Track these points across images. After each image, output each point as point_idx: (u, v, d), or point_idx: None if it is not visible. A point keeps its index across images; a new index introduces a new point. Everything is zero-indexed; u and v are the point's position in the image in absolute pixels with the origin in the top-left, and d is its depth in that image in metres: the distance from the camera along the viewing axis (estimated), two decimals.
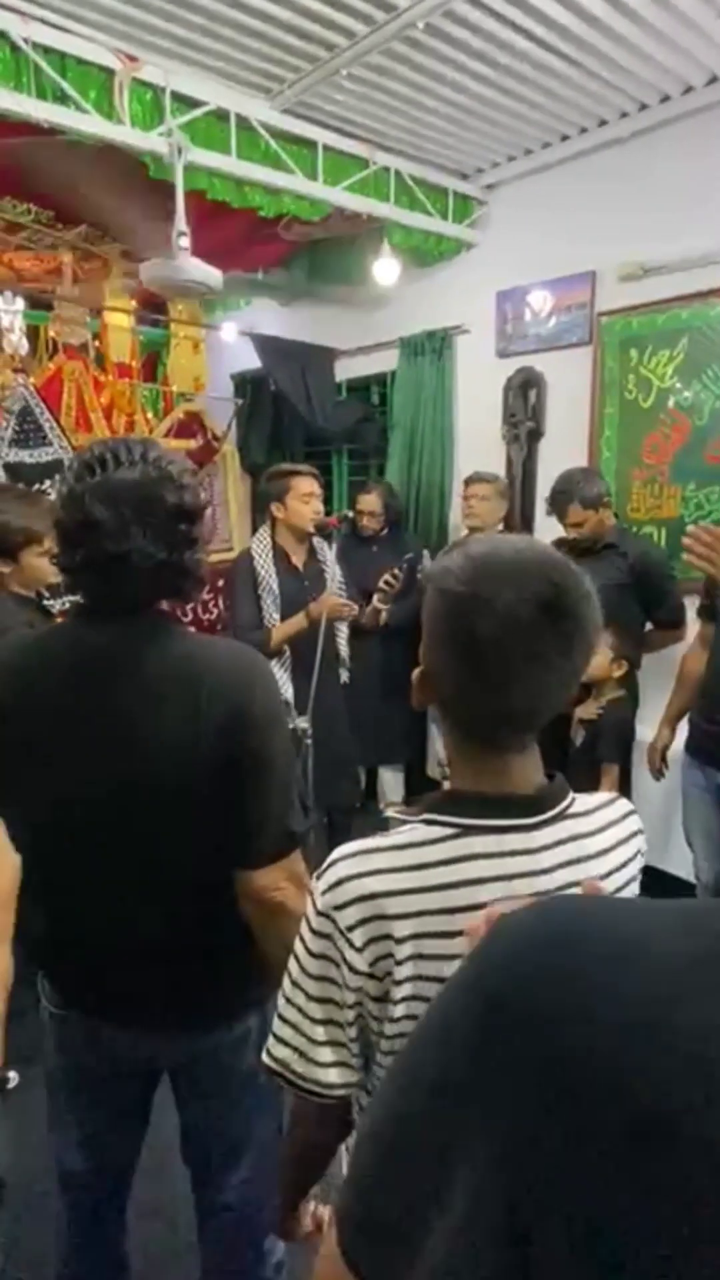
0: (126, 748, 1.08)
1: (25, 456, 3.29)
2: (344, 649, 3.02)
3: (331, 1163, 0.96)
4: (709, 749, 2.36)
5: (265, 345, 4.17)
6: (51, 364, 3.46)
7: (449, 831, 0.77)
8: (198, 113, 2.73)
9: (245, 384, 4.62)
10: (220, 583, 3.56)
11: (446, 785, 0.85)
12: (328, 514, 2.96)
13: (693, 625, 2.69)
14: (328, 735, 2.73)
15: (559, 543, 2.79)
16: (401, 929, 0.74)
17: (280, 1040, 0.81)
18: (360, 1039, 0.79)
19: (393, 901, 0.74)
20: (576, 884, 0.78)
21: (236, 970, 1.18)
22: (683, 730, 2.52)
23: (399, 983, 0.74)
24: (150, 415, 3.90)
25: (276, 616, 2.80)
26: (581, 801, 0.83)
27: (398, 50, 2.59)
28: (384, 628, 3.23)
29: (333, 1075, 0.79)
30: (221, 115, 2.81)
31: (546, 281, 3.43)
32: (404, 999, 0.75)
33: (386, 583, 3.15)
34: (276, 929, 1.09)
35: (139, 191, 2.89)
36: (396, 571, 3.15)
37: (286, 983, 0.81)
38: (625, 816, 0.86)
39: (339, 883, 0.77)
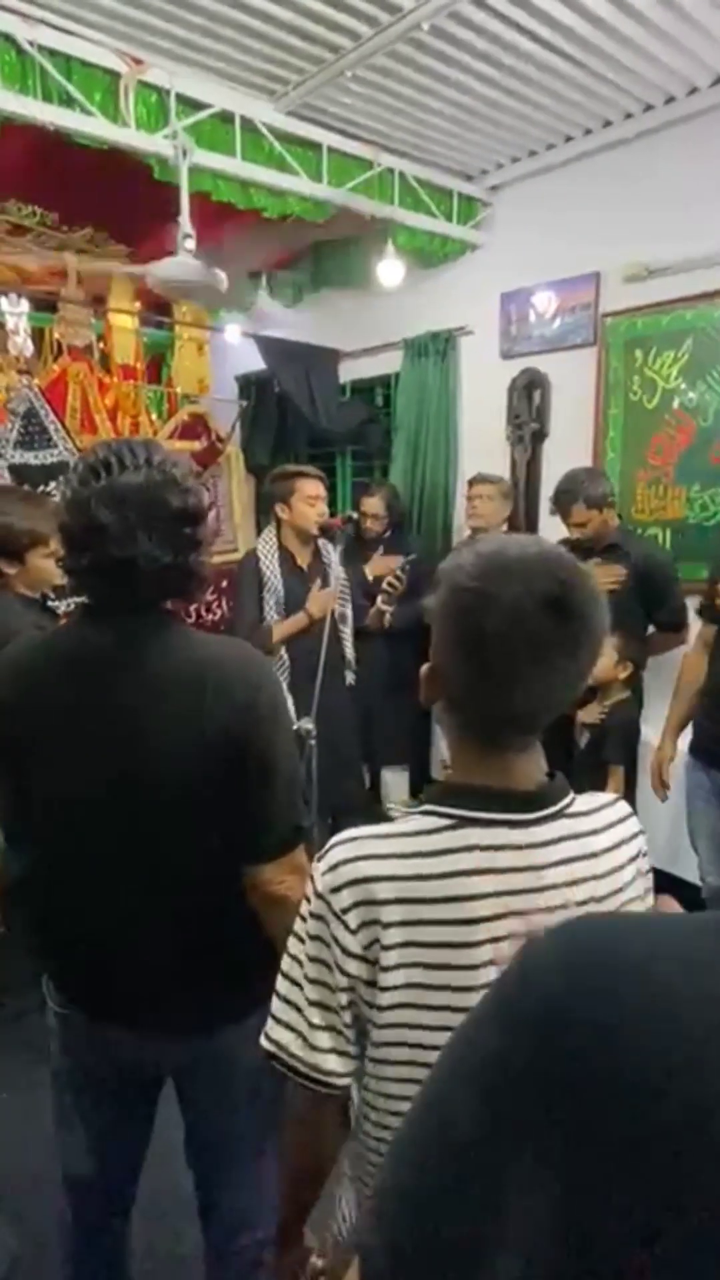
0: (130, 746, 1.08)
1: (30, 458, 3.30)
2: (349, 651, 3.02)
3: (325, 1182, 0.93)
4: (714, 750, 2.36)
5: (269, 347, 4.17)
6: (56, 366, 3.46)
7: (446, 823, 0.78)
8: (202, 115, 2.73)
9: (249, 385, 4.62)
10: (224, 583, 3.57)
11: (445, 777, 0.86)
12: (332, 515, 2.96)
13: (694, 626, 2.68)
14: (332, 736, 2.74)
15: (562, 544, 2.78)
16: (390, 914, 0.75)
17: (278, 1022, 0.82)
18: (355, 1026, 0.79)
19: (383, 886, 0.76)
20: (575, 881, 0.79)
21: (239, 971, 1.18)
22: (686, 733, 2.51)
23: (387, 969, 0.75)
24: (155, 417, 3.90)
25: (280, 617, 2.80)
26: (582, 801, 0.84)
27: (402, 52, 2.59)
28: (388, 630, 3.23)
29: (331, 1061, 0.79)
30: (226, 117, 2.82)
31: (551, 282, 3.43)
32: (394, 986, 0.76)
33: (389, 584, 3.15)
34: (279, 917, 1.10)
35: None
36: (399, 572, 3.15)
37: (284, 964, 0.82)
38: (626, 818, 0.86)
39: (336, 866, 0.78)
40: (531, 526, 3.58)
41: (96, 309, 3.73)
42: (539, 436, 3.59)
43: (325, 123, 3.06)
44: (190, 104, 2.71)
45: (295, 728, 2.50)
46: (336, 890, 0.77)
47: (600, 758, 2.58)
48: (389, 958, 0.75)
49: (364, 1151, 0.87)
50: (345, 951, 0.77)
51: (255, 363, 4.33)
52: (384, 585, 3.16)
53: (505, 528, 3.36)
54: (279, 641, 2.76)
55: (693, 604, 2.69)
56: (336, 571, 2.96)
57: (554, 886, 0.78)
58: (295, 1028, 0.80)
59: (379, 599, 3.19)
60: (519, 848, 0.77)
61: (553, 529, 2.95)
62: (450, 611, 0.78)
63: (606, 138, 3.14)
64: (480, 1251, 0.41)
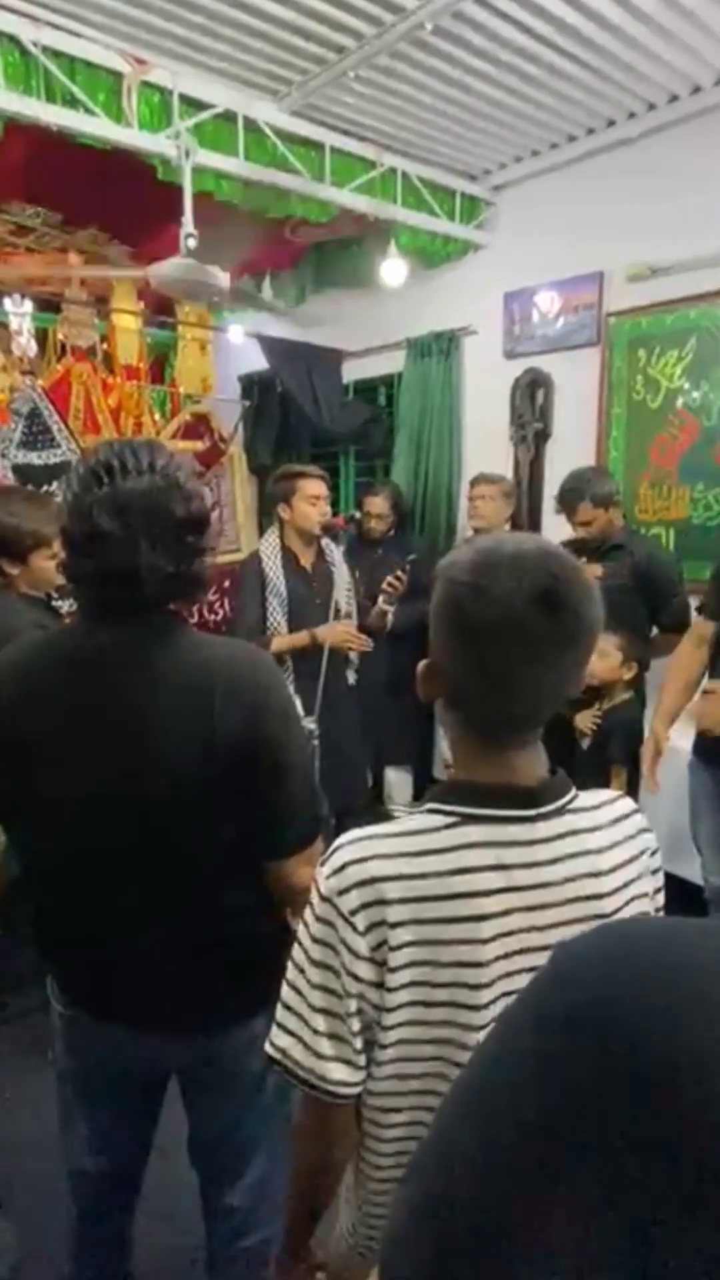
0: (138, 747, 1.08)
1: (34, 458, 3.30)
2: (352, 651, 3.01)
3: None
4: (717, 751, 2.35)
5: (272, 347, 4.17)
6: (60, 366, 3.47)
7: (449, 820, 0.78)
8: (205, 115, 2.74)
9: (252, 385, 4.63)
10: (226, 583, 3.57)
11: (448, 775, 0.85)
12: (334, 515, 2.96)
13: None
14: (335, 736, 2.73)
15: (567, 543, 2.78)
16: (397, 914, 0.75)
17: (282, 1028, 0.81)
18: (364, 1034, 0.78)
19: (391, 886, 0.75)
20: (577, 877, 0.79)
21: (244, 970, 1.18)
22: (690, 731, 2.50)
23: (395, 970, 0.75)
24: (158, 417, 3.90)
25: (283, 618, 2.80)
26: (585, 798, 0.84)
27: (405, 51, 2.59)
28: (390, 631, 3.22)
29: (335, 1070, 0.78)
30: (229, 117, 2.82)
31: (554, 282, 3.42)
32: (402, 986, 0.75)
33: (390, 584, 3.15)
34: (297, 906, 1.10)
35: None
36: (400, 573, 3.15)
37: (290, 969, 0.81)
38: (629, 814, 0.86)
39: (342, 867, 0.77)
40: (534, 526, 3.57)
41: (100, 309, 3.73)
42: (542, 436, 3.58)
43: (328, 122, 3.07)
44: (193, 104, 2.71)
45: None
46: (344, 892, 0.76)
47: (604, 758, 2.57)
48: (396, 958, 0.75)
49: (365, 1165, 0.86)
50: (354, 954, 0.75)
51: (258, 362, 4.33)
52: (385, 585, 3.15)
53: (508, 527, 3.35)
54: (276, 654, 2.75)
55: (696, 604, 2.69)
56: (341, 572, 2.96)
57: (557, 882, 0.78)
58: (299, 1034, 0.79)
59: (380, 599, 3.18)
60: (523, 844, 0.77)
61: (556, 528, 2.95)
62: (444, 606, 0.78)
63: (610, 137, 3.14)
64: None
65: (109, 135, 2.53)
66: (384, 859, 0.77)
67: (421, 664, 0.84)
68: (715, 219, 2.88)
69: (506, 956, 0.76)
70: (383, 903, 0.75)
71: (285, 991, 0.81)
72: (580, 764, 2.58)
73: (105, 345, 3.68)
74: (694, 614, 2.51)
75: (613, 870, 0.81)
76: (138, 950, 1.15)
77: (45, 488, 3.16)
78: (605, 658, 2.50)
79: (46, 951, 1.25)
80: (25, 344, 3.54)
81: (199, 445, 3.96)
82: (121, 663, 1.10)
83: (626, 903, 0.81)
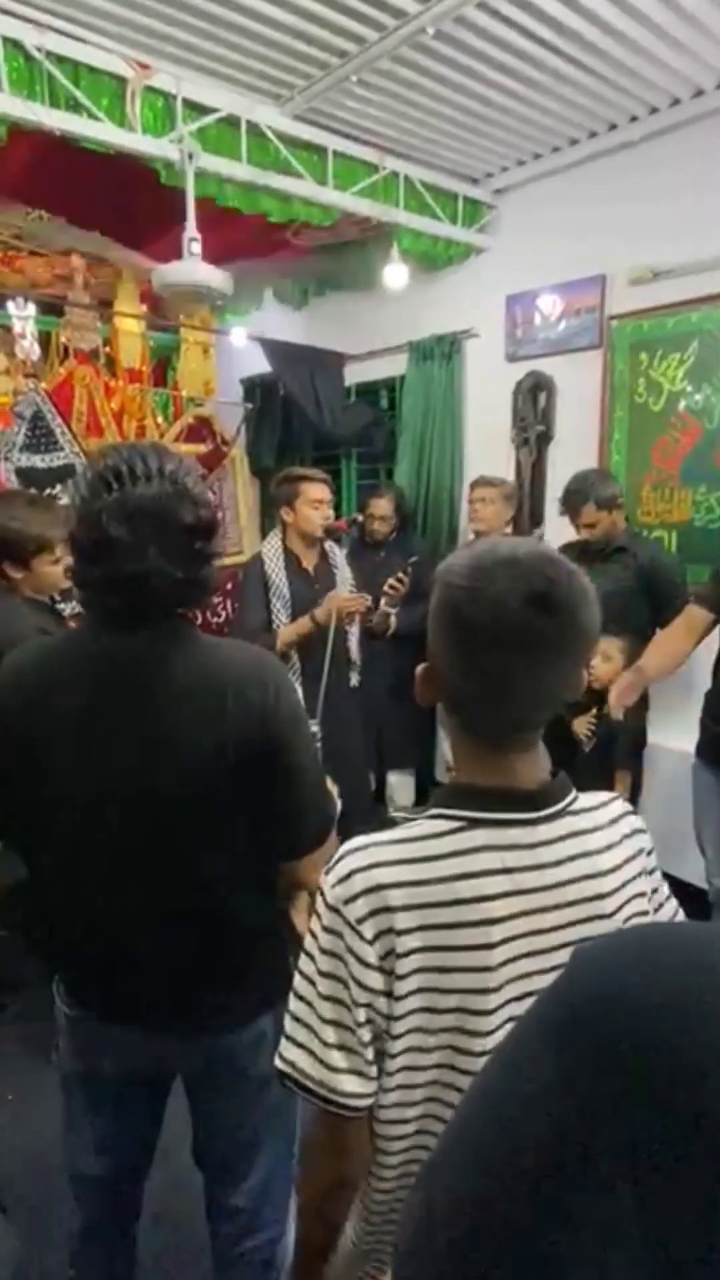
0: (149, 750, 1.08)
1: (37, 461, 3.31)
2: (355, 651, 3.02)
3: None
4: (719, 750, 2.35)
5: (274, 350, 4.18)
6: (63, 369, 3.47)
7: (454, 825, 0.78)
8: (209, 119, 2.75)
9: (255, 388, 4.63)
10: (229, 585, 3.57)
11: (449, 779, 0.86)
12: (336, 518, 2.96)
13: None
14: (338, 739, 2.73)
15: (570, 545, 2.78)
16: (404, 920, 0.74)
17: (291, 1041, 0.79)
18: (374, 1044, 0.77)
19: (398, 893, 0.75)
20: (580, 879, 0.79)
21: (251, 972, 1.18)
22: (692, 733, 2.50)
23: (403, 977, 0.74)
24: (160, 420, 3.91)
25: (286, 620, 2.80)
26: (584, 799, 0.84)
27: (408, 56, 2.59)
28: (393, 634, 3.22)
29: (347, 1083, 0.76)
30: (232, 121, 2.83)
31: (556, 285, 3.43)
32: (410, 993, 0.75)
33: (392, 585, 3.15)
34: (309, 906, 1.10)
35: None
36: (402, 575, 3.15)
37: (297, 980, 0.81)
38: (625, 815, 0.87)
39: (348, 875, 0.77)
40: (537, 529, 3.58)
41: (103, 313, 3.74)
42: (544, 439, 3.59)
43: (331, 127, 3.07)
44: (196, 108, 2.72)
45: None
46: (350, 900, 0.76)
47: (606, 761, 2.58)
48: (404, 965, 0.74)
49: (370, 1174, 0.85)
50: (363, 963, 0.75)
51: (261, 366, 4.34)
52: (387, 587, 3.15)
53: (509, 530, 3.35)
54: (284, 648, 2.76)
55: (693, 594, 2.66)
56: (344, 574, 2.96)
57: (560, 884, 0.78)
58: (308, 1046, 0.77)
59: (382, 601, 3.19)
60: (526, 847, 0.78)
61: (559, 531, 2.95)
62: (442, 609, 0.79)
63: (611, 141, 3.14)
64: None
65: (112, 140, 2.54)
66: (389, 866, 0.77)
67: (420, 668, 0.85)
68: (717, 222, 2.88)
69: (513, 960, 0.76)
70: (389, 910, 0.75)
71: (293, 1004, 0.80)
72: (581, 767, 2.59)
73: (108, 348, 3.69)
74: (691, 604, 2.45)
75: (613, 870, 0.81)
76: (146, 951, 1.15)
77: (48, 491, 3.17)
78: (608, 661, 2.51)
79: (54, 953, 1.25)
80: (28, 347, 3.56)
81: (201, 448, 3.97)
82: (132, 667, 1.10)
83: (626, 902, 0.82)
